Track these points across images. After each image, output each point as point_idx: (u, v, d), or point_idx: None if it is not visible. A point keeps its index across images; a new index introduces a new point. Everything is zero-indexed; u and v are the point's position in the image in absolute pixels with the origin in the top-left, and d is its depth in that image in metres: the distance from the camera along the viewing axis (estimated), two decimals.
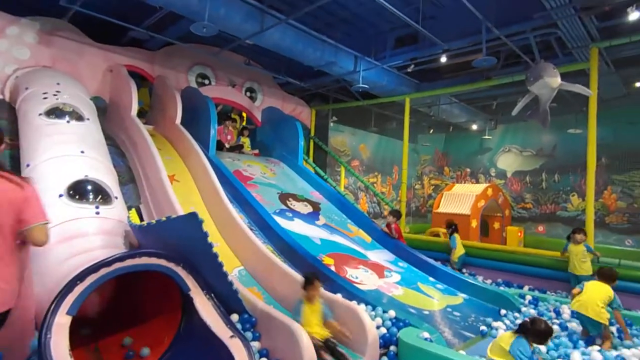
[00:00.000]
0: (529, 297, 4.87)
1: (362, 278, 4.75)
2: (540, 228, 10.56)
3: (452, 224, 6.82)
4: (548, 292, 5.62)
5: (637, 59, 6.87)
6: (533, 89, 5.59)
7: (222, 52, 7.11)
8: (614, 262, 5.45)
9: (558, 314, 4.40)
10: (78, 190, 3.43)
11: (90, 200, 3.43)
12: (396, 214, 6.48)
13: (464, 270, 6.57)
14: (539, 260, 6.08)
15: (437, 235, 8.24)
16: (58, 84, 4.96)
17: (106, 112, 6.36)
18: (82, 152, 3.85)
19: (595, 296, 3.66)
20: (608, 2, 4.96)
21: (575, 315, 3.92)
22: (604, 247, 8.24)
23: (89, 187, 3.53)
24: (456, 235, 6.66)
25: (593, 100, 5.75)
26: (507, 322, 4.10)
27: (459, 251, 6.57)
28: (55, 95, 4.59)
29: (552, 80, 5.39)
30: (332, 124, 10.16)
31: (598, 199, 9.35)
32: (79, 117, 4.38)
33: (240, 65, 7.93)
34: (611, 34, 5.81)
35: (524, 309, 4.46)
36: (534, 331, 2.87)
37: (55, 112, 4.28)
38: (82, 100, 4.84)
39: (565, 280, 5.59)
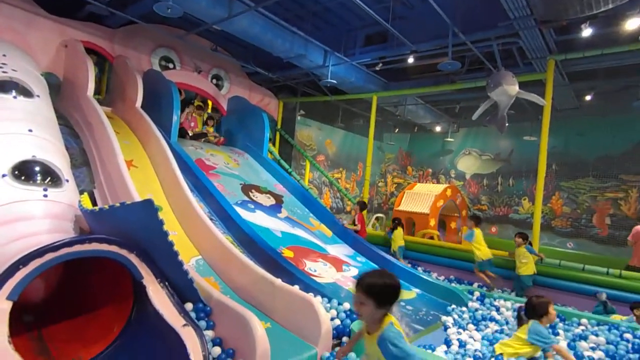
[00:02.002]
0: (477, 294, 5.14)
1: (321, 271, 4.81)
2: (493, 229, 11.13)
3: (396, 220, 7.38)
4: (495, 290, 5.94)
5: (589, 74, 7.37)
6: (493, 95, 5.86)
7: (188, 36, 6.90)
8: (555, 263, 5.85)
9: (498, 310, 4.66)
10: (24, 171, 3.21)
11: (38, 182, 3.23)
12: (362, 205, 7.05)
13: (420, 268, 6.81)
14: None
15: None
16: (4, 55, 4.60)
17: (59, 89, 5.99)
18: (30, 130, 3.60)
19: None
20: (565, 16, 5.27)
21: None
22: (548, 248, 8.83)
23: (37, 168, 3.32)
24: (399, 228, 7.16)
25: (547, 110, 6.11)
26: (455, 316, 4.31)
27: (398, 243, 7.00)
28: (0, 67, 4.26)
29: (511, 88, 5.68)
30: (299, 118, 10.14)
31: (546, 203, 9.98)
32: (28, 93, 4.09)
33: (206, 51, 7.72)
34: (567, 47, 6.20)
35: (471, 304, 4.70)
36: (536, 311, 3.02)
37: (0, 86, 3.97)
38: (31, 75, 4.51)
39: (511, 279, 5.95)
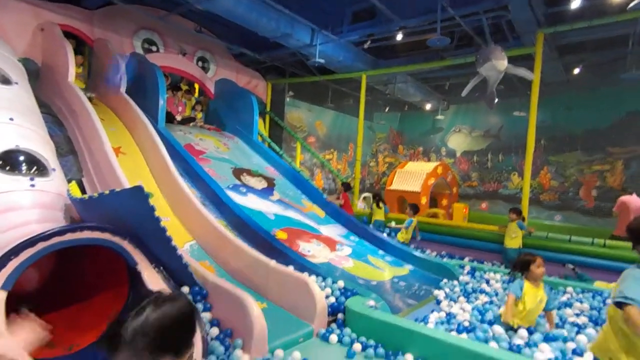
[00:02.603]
0: (467, 268, 5.26)
1: (314, 252, 4.86)
2: (484, 205, 11.30)
3: (376, 196, 7.73)
4: (485, 263, 6.09)
5: (578, 46, 7.36)
6: (482, 70, 5.85)
7: (170, 17, 6.70)
8: (542, 235, 6.00)
9: (488, 282, 4.79)
10: (8, 161, 3.14)
11: (24, 171, 3.17)
12: (346, 185, 7.44)
13: (411, 245, 6.93)
14: (479, 234, 6.55)
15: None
16: None
17: (38, 76, 5.81)
18: (11, 119, 3.50)
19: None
20: None
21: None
22: (536, 222, 9.01)
23: (21, 158, 3.24)
24: (381, 204, 7.46)
25: (536, 84, 6.11)
26: (447, 290, 4.41)
27: (376, 217, 7.33)
28: None
29: (499, 63, 5.67)
30: (288, 99, 10.02)
31: (535, 178, 10.12)
32: (6, 80, 3.95)
33: (190, 33, 7.51)
34: (556, 20, 6.15)
35: (461, 278, 4.81)
36: (519, 268, 3.24)
37: None
38: (8, 61, 4.36)
39: (501, 252, 6.09)
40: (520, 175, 10.57)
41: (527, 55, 6.61)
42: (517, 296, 3.21)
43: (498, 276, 4.89)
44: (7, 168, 3.09)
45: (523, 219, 5.99)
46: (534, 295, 3.22)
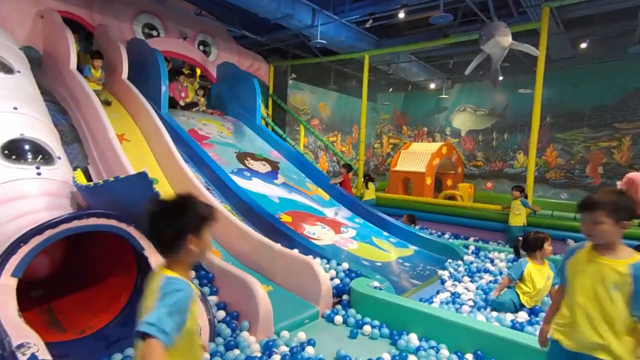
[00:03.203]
0: (472, 248, 5.29)
1: (319, 234, 4.91)
2: (489, 184, 11.25)
3: (366, 176, 7.98)
4: (490, 242, 6.11)
5: (585, 20, 7.13)
6: (485, 47, 5.73)
7: (169, 0, 6.59)
8: (548, 213, 5.98)
9: (492, 261, 4.82)
10: (14, 150, 3.18)
11: (30, 160, 3.21)
12: (347, 167, 7.56)
13: (416, 226, 6.96)
14: (484, 214, 6.55)
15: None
16: None
17: (40, 64, 5.80)
18: (15, 108, 3.52)
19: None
20: None
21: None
22: (542, 200, 8.97)
23: (27, 147, 3.28)
24: (370, 184, 7.78)
25: (541, 61, 5.98)
26: (451, 269, 4.46)
27: (368, 196, 7.50)
28: None
29: (503, 40, 5.54)
30: (291, 82, 9.92)
31: (541, 156, 10.02)
32: (8, 70, 3.96)
33: (190, 16, 7.41)
34: None
35: (466, 257, 4.85)
36: (530, 246, 3.28)
37: None
38: (10, 49, 4.35)
39: (505, 231, 6.10)
40: (525, 153, 10.45)
41: (532, 30, 6.44)
42: (513, 279, 3.24)
43: (502, 255, 4.92)
44: (13, 157, 3.13)
45: (526, 197, 5.97)
46: (540, 273, 3.23)
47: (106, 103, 5.51)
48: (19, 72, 4.05)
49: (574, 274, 1.70)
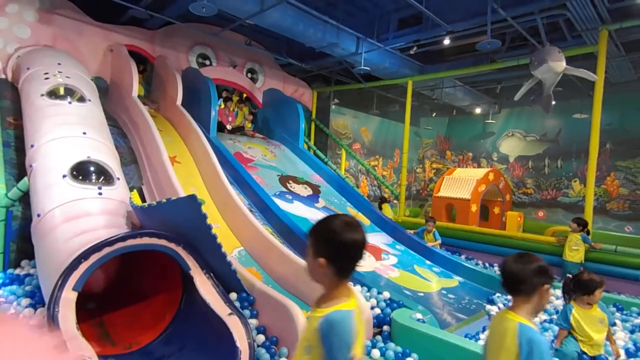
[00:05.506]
0: None
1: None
2: (541, 213, 10.59)
3: (379, 198, 8.54)
4: None
5: None
6: (537, 73, 5.53)
7: (223, 32, 7.04)
8: (611, 249, 5.51)
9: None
10: (81, 171, 3.49)
11: (93, 181, 3.49)
12: (382, 199, 8.44)
13: (463, 256, 6.67)
14: (535, 245, 6.15)
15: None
16: (59, 64, 4.96)
17: (107, 92, 6.36)
18: (84, 133, 3.89)
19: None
20: None
21: None
22: (604, 233, 8.30)
23: (92, 168, 3.59)
24: (384, 205, 8.28)
25: (599, 85, 5.66)
26: (500, 305, 4.19)
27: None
28: (56, 75, 4.60)
29: (557, 65, 5.33)
30: (333, 107, 10.10)
31: (600, 185, 9.34)
32: (81, 98, 4.40)
33: (240, 46, 7.85)
34: (622, 15, 5.66)
35: None
36: (581, 288, 2.97)
37: (56, 93, 4.30)
38: (83, 80, 4.84)
39: (559, 265, 5.67)
40: (582, 182, 9.80)
41: (588, 54, 6.15)
42: (565, 327, 2.98)
43: (558, 292, 4.55)
44: (80, 178, 3.43)
45: (588, 232, 5.52)
46: (590, 318, 2.95)
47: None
48: (89, 100, 4.48)
49: None
